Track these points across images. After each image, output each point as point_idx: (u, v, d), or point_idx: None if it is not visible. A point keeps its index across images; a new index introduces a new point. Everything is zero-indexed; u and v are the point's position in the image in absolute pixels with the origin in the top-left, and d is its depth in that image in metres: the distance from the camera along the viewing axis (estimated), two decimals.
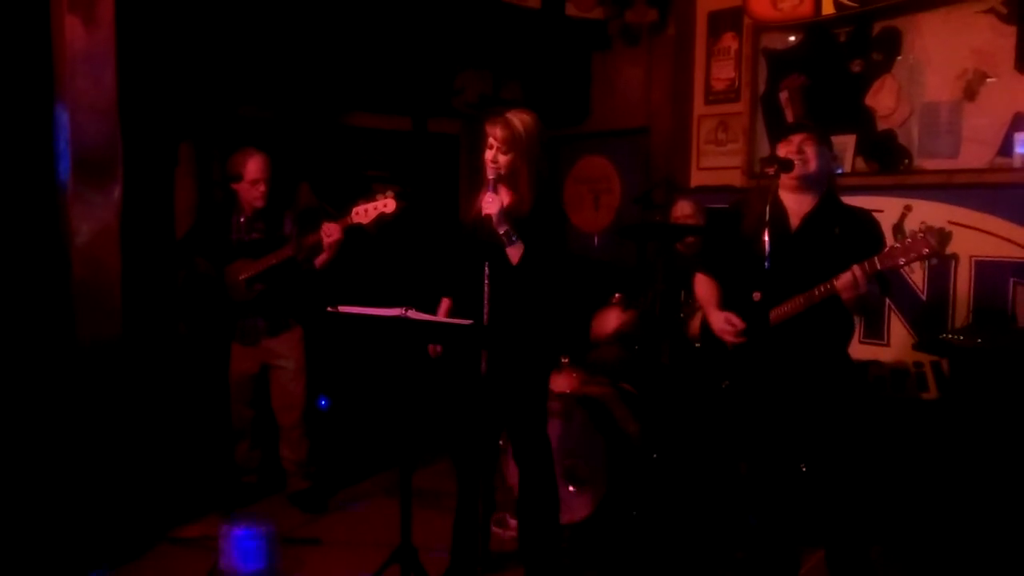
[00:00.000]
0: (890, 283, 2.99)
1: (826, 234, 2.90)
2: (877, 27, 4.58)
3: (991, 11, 4.17)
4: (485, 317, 2.94)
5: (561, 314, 3.25)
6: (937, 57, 4.37)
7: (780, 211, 2.96)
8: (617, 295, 4.47)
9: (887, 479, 3.81)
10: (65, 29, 3.39)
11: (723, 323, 3.03)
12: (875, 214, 3.03)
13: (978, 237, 4.12)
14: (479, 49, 5.49)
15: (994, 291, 4.06)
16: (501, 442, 3.60)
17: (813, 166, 2.91)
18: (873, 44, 4.60)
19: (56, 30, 3.45)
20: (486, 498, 3.26)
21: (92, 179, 3.50)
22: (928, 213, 4.21)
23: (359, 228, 3.75)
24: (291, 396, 4.15)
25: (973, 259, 4.14)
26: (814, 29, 4.79)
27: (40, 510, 3.48)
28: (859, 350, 4.32)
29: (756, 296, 2.92)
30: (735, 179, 5.09)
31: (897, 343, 4.38)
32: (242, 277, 3.98)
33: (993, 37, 4.16)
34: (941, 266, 4.19)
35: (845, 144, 4.62)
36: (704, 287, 3.23)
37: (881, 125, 4.58)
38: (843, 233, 2.89)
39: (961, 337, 3.79)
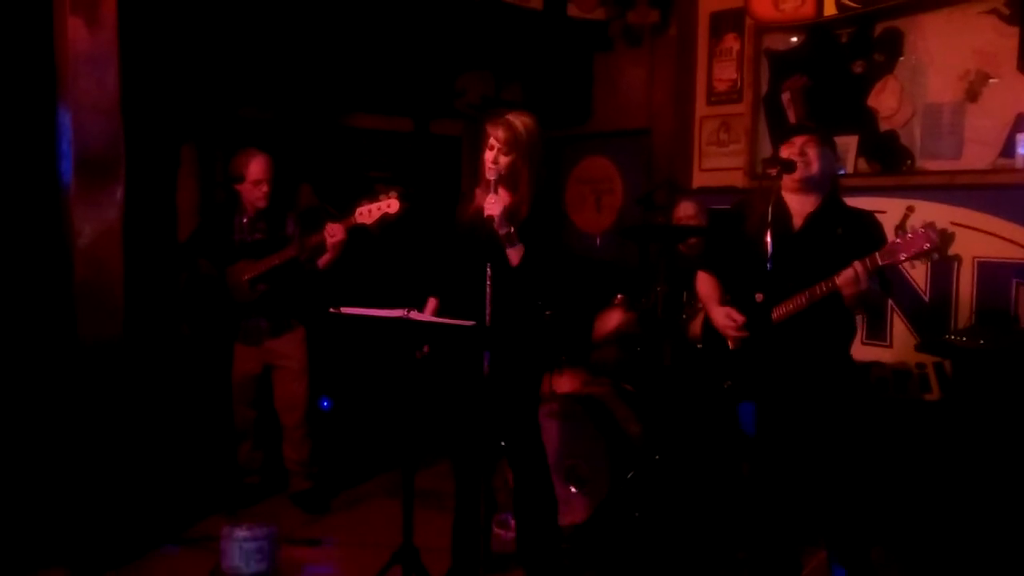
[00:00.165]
0: (891, 283, 2.99)
1: (829, 235, 2.90)
2: (879, 28, 4.57)
3: (993, 12, 4.17)
4: (487, 318, 2.94)
5: (562, 315, 3.25)
6: (939, 58, 4.37)
7: (783, 212, 2.95)
8: (619, 296, 4.47)
9: (889, 480, 3.81)
10: (68, 30, 3.40)
11: (724, 318, 3.03)
12: (877, 215, 3.02)
13: (981, 238, 4.11)
14: (481, 50, 5.50)
15: (997, 292, 4.06)
16: (504, 443, 3.60)
17: (815, 168, 2.90)
18: (875, 45, 4.59)
19: (59, 31, 3.46)
20: (487, 498, 3.25)
21: (95, 180, 3.50)
22: (930, 214, 4.20)
23: (362, 229, 3.75)
24: (293, 397, 4.15)
25: (976, 260, 4.13)
26: (816, 30, 4.79)
27: (41, 510, 3.48)
28: (861, 351, 4.31)
29: (759, 297, 2.92)
30: (737, 180, 5.09)
31: (899, 344, 4.37)
32: (245, 278, 3.98)
33: (995, 38, 4.16)
34: (943, 267, 4.19)
35: (847, 145, 4.61)
36: (706, 285, 3.23)
37: (883, 126, 4.58)
38: (845, 234, 2.88)
39: (964, 338, 3.78)
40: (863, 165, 4.66)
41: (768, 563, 3.07)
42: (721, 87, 5.24)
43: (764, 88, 5.06)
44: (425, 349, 3.25)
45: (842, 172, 4.49)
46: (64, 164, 3.48)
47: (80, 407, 3.51)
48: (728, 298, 3.13)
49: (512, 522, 3.82)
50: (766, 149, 4.92)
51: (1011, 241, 4.03)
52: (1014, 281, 4.01)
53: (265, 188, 4.01)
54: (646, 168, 5.64)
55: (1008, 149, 4.14)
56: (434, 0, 5.07)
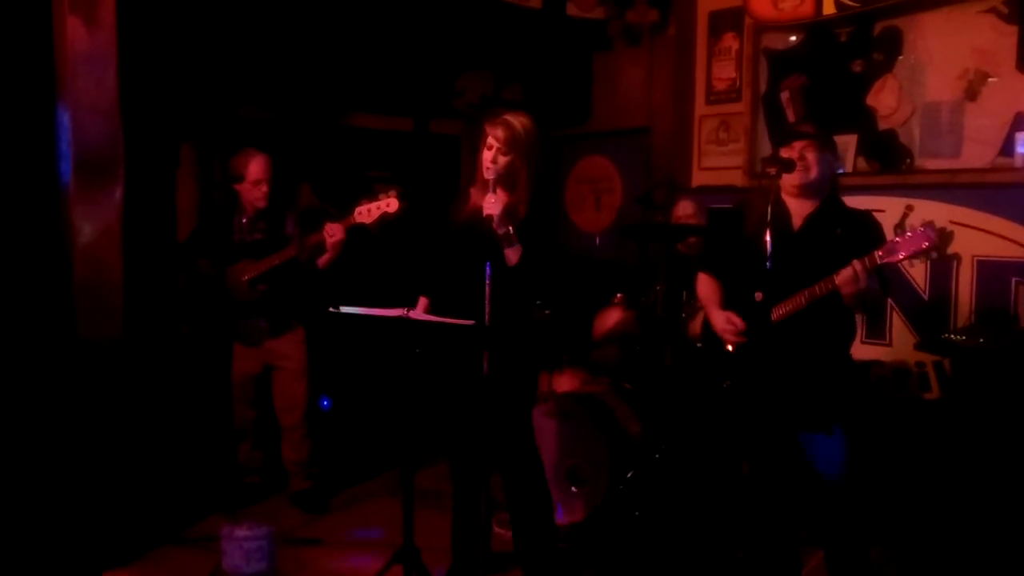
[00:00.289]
0: (890, 282, 2.99)
1: (828, 235, 2.90)
2: (878, 27, 4.57)
3: (992, 11, 4.16)
4: (487, 317, 2.94)
5: (561, 315, 3.25)
6: (938, 57, 4.37)
7: (782, 211, 2.95)
8: (619, 295, 4.47)
9: (888, 479, 3.81)
10: (67, 30, 3.40)
11: (724, 323, 3.03)
12: (876, 214, 3.02)
13: (980, 237, 4.11)
14: (480, 50, 5.50)
15: (996, 291, 4.06)
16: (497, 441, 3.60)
17: (814, 173, 2.90)
18: (874, 44, 4.59)
19: (58, 31, 3.46)
20: (487, 498, 3.25)
21: (94, 180, 3.50)
22: (930, 213, 4.20)
23: (361, 228, 3.75)
24: (293, 396, 4.15)
25: (975, 259, 4.13)
26: (815, 29, 4.79)
27: (41, 510, 3.48)
28: (861, 350, 4.31)
29: (758, 296, 2.93)
30: (736, 179, 5.09)
31: (899, 343, 4.37)
32: (245, 278, 3.98)
33: (994, 37, 4.16)
34: (943, 266, 4.19)
35: (846, 144, 4.61)
36: (706, 287, 3.23)
37: (882, 125, 4.58)
38: (845, 234, 2.88)
39: (963, 337, 3.78)
40: (862, 164, 4.66)
41: (768, 563, 3.07)
42: (720, 86, 5.24)
43: (763, 87, 5.06)
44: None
45: (841, 171, 4.49)
46: (63, 164, 3.48)
47: (80, 407, 3.51)
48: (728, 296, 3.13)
49: None
50: (765, 148, 4.92)
51: (1011, 240, 4.02)
52: (1013, 280, 4.01)
53: (265, 188, 4.01)
54: (645, 167, 5.64)
55: (1007, 148, 4.13)
56: (434, 0, 5.07)
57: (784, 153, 2.93)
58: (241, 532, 3.38)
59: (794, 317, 2.87)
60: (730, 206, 3.29)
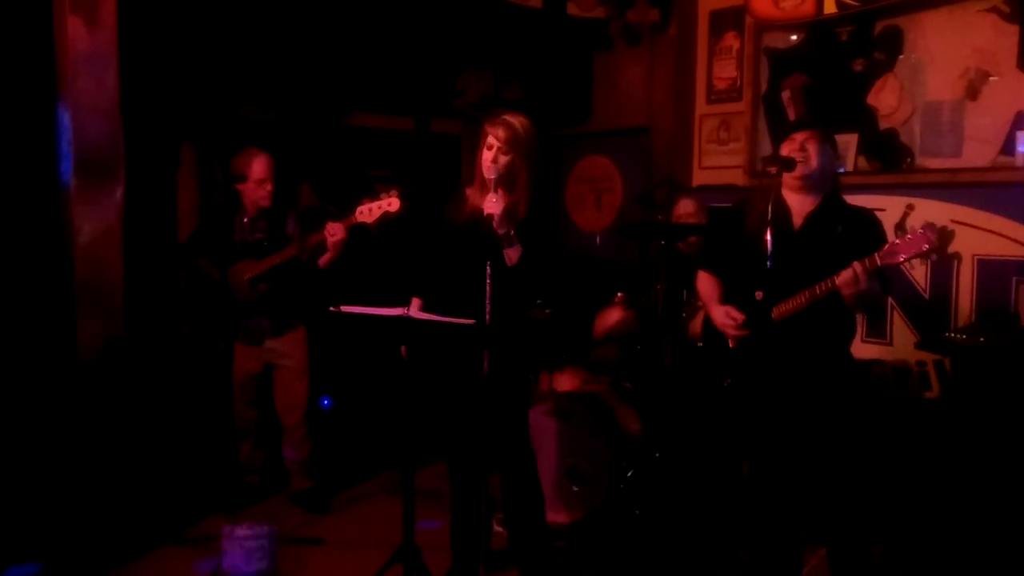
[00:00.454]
0: (891, 281, 2.98)
1: (829, 233, 2.90)
2: (879, 26, 4.57)
3: (993, 10, 4.16)
4: (487, 317, 2.94)
5: (562, 314, 3.25)
6: (939, 56, 4.37)
7: (783, 210, 2.95)
8: (619, 294, 4.47)
9: (889, 478, 3.81)
10: (67, 30, 3.40)
11: (724, 317, 3.03)
12: (877, 213, 3.02)
13: (981, 236, 4.11)
14: (481, 49, 5.50)
15: (997, 290, 4.06)
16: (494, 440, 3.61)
17: (815, 164, 2.90)
18: (875, 43, 4.59)
19: (58, 31, 3.46)
20: (487, 497, 3.26)
21: (94, 179, 3.50)
22: (930, 212, 4.20)
23: (362, 228, 3.75)
24: (294, 396, 4.15)
25: (976, 258, 4.13)
26: (816, 28, 4.79)
27: (42, 510, 3.48)
28: (861, 349, 4.32)
29: (758, 295, 2.93)
30: (737, 178, 5.09)
31: (900, 342, 4.37)
32: (246, 277, 3.98)
33: (995, 36, 4.16)
34: (943, 265, 4.19)
35: (847, 143, 4.61)
36: (706, 283, 3.23)
37: (883, 124, 4.58)
38: (845, 232, 2.88)
39: (964, 336, 3.78)
40: (863, 163, 4.66)
41: (769, 562, 3.07)
42: (721, 85, 5.24)
43: (764, 86, 5.06)
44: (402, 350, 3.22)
45: (842, 170, 4.49)
46: (64, 164, 3.49)
47: (80, 407, 3.51)
48: (729, 295, 3.13)
49: None
50: (766, 147, 4.92)
51: (1011, 239, 4.02)
52: (1014, 279, 4.01)
53: (269, 187, 4.01)
54: (646, 166, 5.64)
55: (1008, 147, 4.13)
56: (434, 0, 5.07)
57: (785, 145, 2.94)
58: (242, 532, 3.38)
59: (794, 316, 2.87)
60: (730, 205, 3.29)
